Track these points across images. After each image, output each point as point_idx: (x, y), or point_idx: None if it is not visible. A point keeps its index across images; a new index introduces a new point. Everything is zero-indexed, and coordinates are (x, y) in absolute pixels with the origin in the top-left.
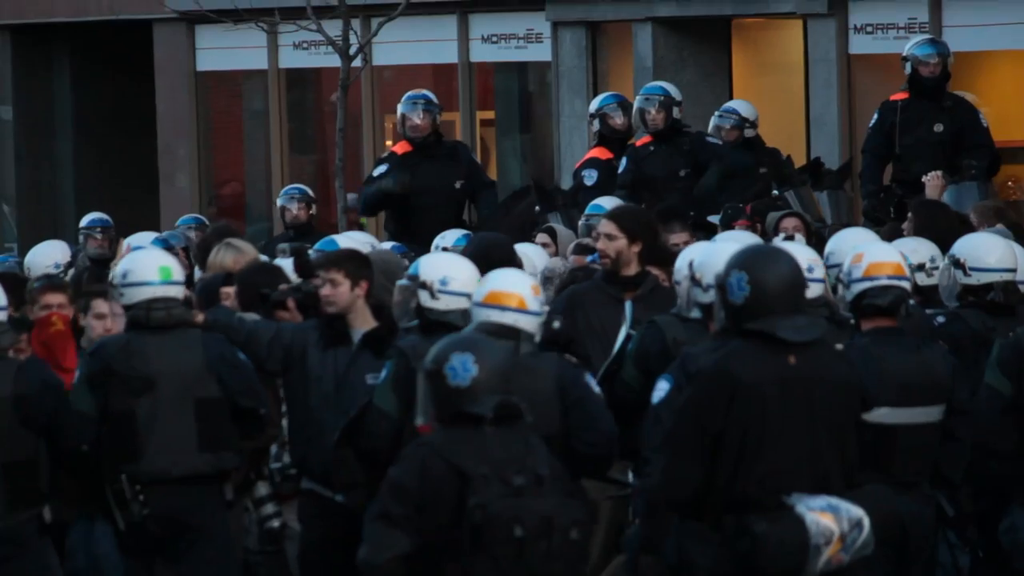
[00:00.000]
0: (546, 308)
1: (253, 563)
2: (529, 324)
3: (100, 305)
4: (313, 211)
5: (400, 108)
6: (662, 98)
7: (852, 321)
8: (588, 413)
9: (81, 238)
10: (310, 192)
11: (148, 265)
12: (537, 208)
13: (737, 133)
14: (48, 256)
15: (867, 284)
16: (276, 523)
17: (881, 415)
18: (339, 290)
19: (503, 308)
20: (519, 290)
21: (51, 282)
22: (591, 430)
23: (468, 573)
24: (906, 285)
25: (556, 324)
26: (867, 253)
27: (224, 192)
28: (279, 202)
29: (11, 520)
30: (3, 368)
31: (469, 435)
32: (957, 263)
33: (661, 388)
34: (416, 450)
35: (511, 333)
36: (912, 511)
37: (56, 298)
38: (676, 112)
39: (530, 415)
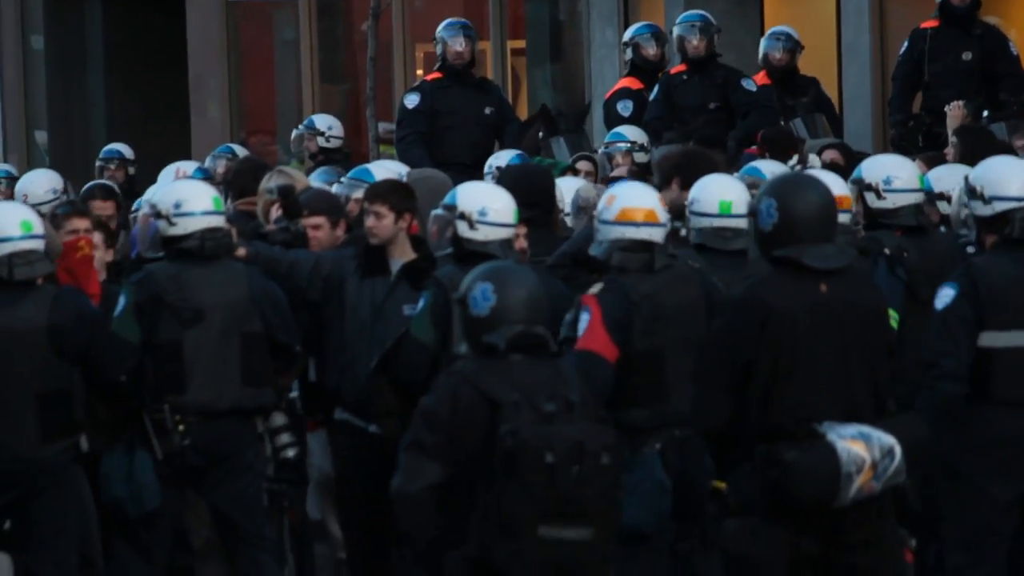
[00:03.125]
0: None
1: (275, 492)
2: (660, 236)
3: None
4: (323, 143)
5: (442, 34)
6: (703, 25)
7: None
8: None
9: (97, 169)
10: (320, 124)
11: (201, 195)
12: (541, 134)
13: (789, 56)
14: (44, 184)
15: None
16: (292, 453)
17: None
18: (383, 223)
19: (636, 224)
20: (648, 204)
21: (75, 207)
22: None
23: (500, 501)
24: None
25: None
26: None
27: (252, 140)
28: (293, 133)
29: (46, 451)
30: (38, 298)
31: (498, 363)
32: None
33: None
34: (447, 379)
35: (646, 247)
36: None
37: (82, 223)
38: (716, 40)
39: (555, 345)
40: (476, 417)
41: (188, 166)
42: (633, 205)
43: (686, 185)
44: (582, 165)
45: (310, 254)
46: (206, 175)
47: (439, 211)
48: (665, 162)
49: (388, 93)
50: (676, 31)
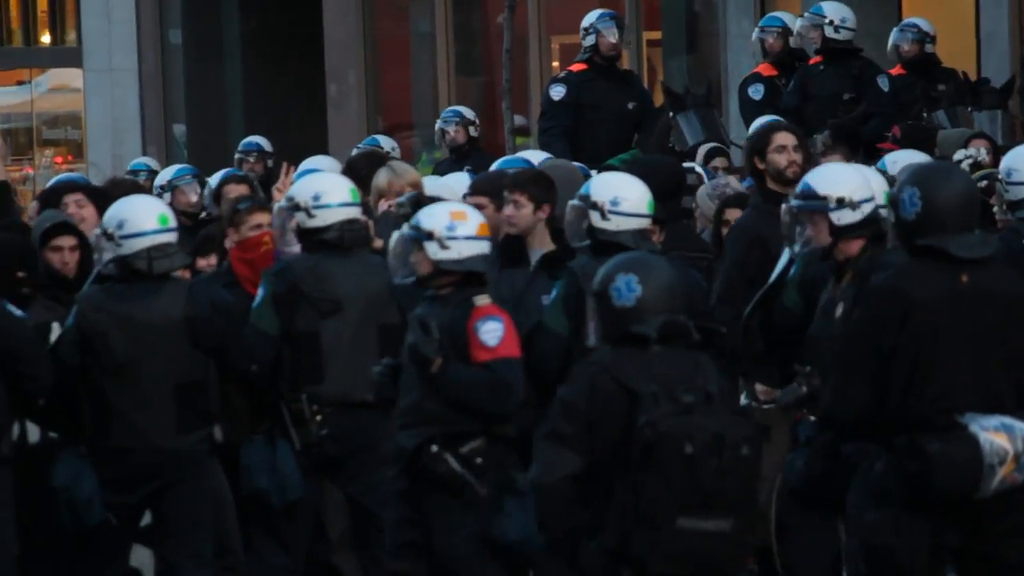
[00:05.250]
0: None
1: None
2: None
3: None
4: (472, 133)
5: (596, 25)
6: (822, 19)
7: None
8: None
9: (236, 161)
10: (468, 114)
11: (339, 187)
12: (671, 113)
13: (918, 48)
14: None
15: None
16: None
17: None
18: (522, 212)
19: None
20: None
21: (258, 202)
22: None
23: (639, 492)
24: None
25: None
26: None
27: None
28: (437, 125)
29: (183, 442)
30: (173, 290)
31: (637, 354)
32: None
33: None
34: (585, 369)
35: None
36: None
37: (265, 217)
38: (830, 31)
39: (696, 334)
40: (614, 407)
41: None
42: None
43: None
44: (717, 162)
45: None
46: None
47: (574, 202)
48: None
49: (524, 85)
50: (798, 22)
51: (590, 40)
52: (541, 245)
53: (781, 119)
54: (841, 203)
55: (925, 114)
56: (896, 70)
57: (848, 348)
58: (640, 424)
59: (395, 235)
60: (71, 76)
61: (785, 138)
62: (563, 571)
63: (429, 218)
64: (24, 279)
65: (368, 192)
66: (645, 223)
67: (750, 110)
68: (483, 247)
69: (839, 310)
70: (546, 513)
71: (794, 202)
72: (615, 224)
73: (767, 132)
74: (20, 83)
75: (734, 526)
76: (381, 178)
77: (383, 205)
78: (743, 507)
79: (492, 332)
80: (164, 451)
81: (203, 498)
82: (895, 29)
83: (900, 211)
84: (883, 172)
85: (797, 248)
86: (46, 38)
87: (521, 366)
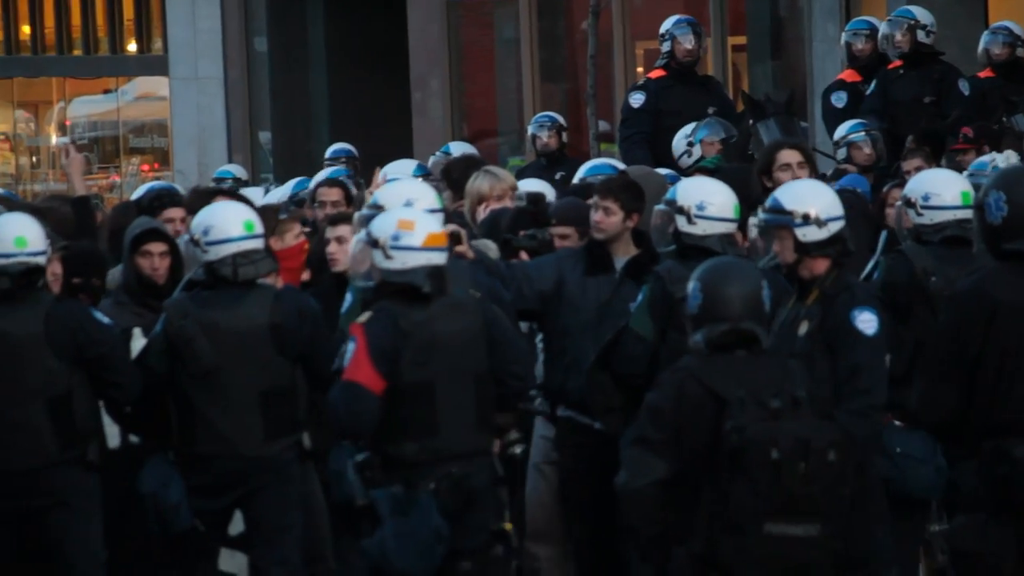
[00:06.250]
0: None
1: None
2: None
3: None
4: (564, 138)
5: (671, 31)
6: (910, 22)
7: None
8: None
9: (325, 166)
10: (561, 119)
11: (424, 193)
12: (752, 122)
13: (1009, 51)
14: None
15: None
16: (519, 449)
17: None
18: (611, 219)
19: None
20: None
21: (342, 215)
22: None
23: (726, 497)
24: None
25: None
26: None
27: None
28: (529, 130)
29: (270, 448)
30: (260, 297)
31: (724, 360)
32: None
33: None
34: (673, 375)
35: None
36: None
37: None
38: (922, 36)
39: (767, 339)
40: (702, 413)
41: (407, 165)
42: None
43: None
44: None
45: (533, 263)
46: (426, 173)
47: (660, 206)
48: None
49: (608, 91)
50: (882, 27)
51: (667, 46)
52: (625, 252)
53: (864, 122)
54: (807, 219)
55: (1004, 119)
56: (985, 73)
57: (934, 353)
58: (727, 429)
59: (355, 239)
60: (157, 84)
61: (789, 156)
62: None
63: (378, 225)
64: (101, 286)
65: (462, 197)
66: (731, 227)
67: (833, 118)
68: (432, 258)
69: (803, 328)
70: (635, 518)
71: (761, 215)
72: (701, 228)
73: (772, 150)
74: (107, 91)
75: (822, 531)
76: (482, 183)
77: (483, 210)
78: (831, 512)
79: (345, 353)
80: (250, 458)
81: (291, 504)
82: (986, 32)
83: (986, 215)
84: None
85: (762, 263)
86: (132, 46)
87: (356, 391)
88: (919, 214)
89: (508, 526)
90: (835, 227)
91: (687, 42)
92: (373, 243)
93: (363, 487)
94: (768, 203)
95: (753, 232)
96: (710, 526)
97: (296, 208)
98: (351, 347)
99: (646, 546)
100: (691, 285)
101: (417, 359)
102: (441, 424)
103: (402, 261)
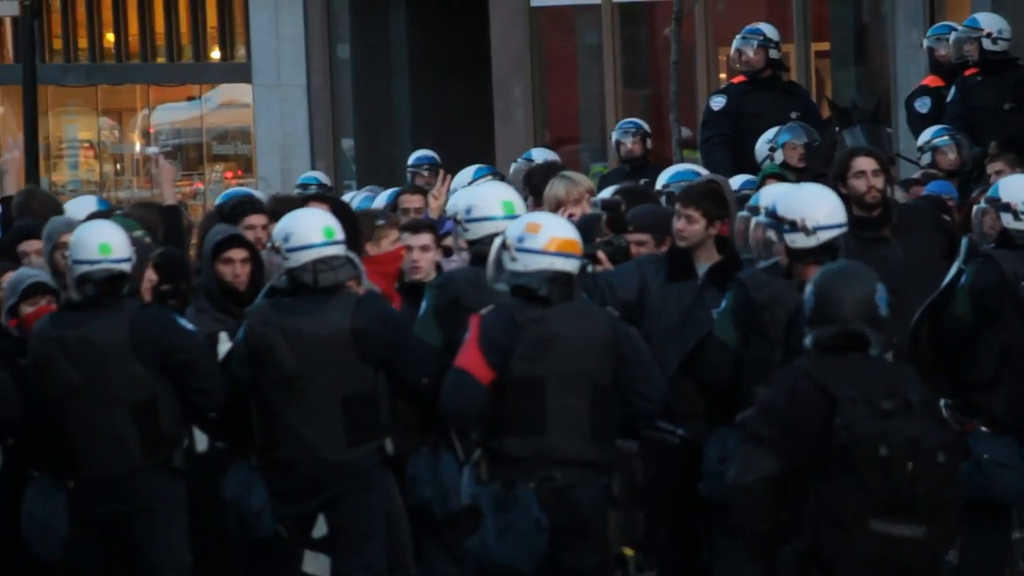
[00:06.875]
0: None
1: None
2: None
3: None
4: (648, 145)
5: (736, 44)
6: (975, 31)
7: None
8: None
9: (408, 175)
10: (645, 126)
11: (493, 200)
12: (837, 128)
13: None
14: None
15: None
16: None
17: None
18: (693, 227)
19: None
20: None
21: (394, 219)
22: None
23: (835, 495)
24: None
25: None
26: None
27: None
28: (614, 136)
29: (353, 454)
30: (341, 303)
31: (837, 360)
32: None
33: None
34: (787, 373)
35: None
36: None
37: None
38: (988, 44)
39: (878, 346)
40: (813, 410)
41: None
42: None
43: None
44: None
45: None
46: (487, 174)
47: (761, 218)
48: None
49: (691, 97)
50: (952, 35)
51: (735, 57)
52: (708, 259)
53: (949, 127)
54: (794, 226)
55: None
56: None
57: (1022, 357)
58: (836, 426)
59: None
60: (240, 92)
61: (865, 163)
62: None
63: (511, 227)
64: (188, 291)
65: (542, 202)
66: (837, 233)
67: (917, 124)
68: (555, 263)
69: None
70: (743, 514)
71: (760, 216)
72: (816, 239)
73: (847, 157)
74: (190, 99)
75: (928, 533)
76: (558, 187)
77: (562, 215)
78: (938, 514)
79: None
80: (333, 463)
81: (374, 510)
82: None
83: None
84: None
85: (762, 263)
86: (216, 54)
87: (462, 377)
88: (1017, 218)
89: (629, 552)
90: (825, 236)
91: (750, 52)
92: (502, 245)
93: (470, 486)
94: (768, 207)
95: (758, 232)
96: (816, 523)
97: (393, 214)
98: (466, 336)
99: (754, 544)
100: (807, 288)
101: (530, 354)
102: (548, 424)
103: (524, 264)
